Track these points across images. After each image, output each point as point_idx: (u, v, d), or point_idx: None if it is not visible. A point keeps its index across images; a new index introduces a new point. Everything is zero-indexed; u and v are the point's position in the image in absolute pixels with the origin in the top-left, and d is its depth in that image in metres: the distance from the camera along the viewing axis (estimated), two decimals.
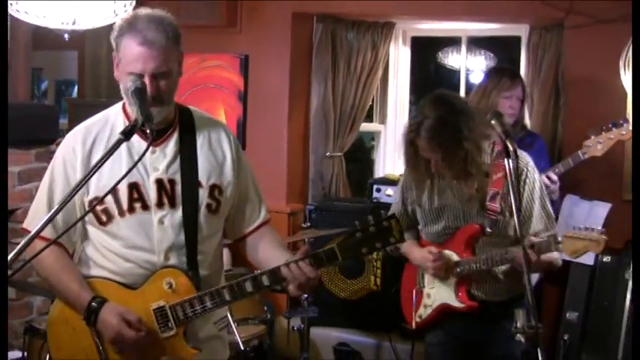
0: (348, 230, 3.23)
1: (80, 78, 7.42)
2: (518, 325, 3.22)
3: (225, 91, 7.01)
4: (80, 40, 6.61)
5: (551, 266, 4.18)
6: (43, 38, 5.87)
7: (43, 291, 5.20)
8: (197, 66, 6.97)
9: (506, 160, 3.41)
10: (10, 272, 2.61)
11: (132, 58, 3.18)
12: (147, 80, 3.18)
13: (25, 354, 4.97)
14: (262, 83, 6.93)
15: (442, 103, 4.15)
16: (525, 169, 4.11)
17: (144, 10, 3.28)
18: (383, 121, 7.45)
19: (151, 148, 3.20)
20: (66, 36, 4.88)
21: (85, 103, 6.81)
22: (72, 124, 3.50)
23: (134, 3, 4.75)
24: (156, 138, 3.20)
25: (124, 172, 3.11)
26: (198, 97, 6.88)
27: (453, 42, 7.62)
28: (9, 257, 2.56)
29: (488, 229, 4.16)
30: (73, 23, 4.72)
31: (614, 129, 5.13)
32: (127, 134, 2.95)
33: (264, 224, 3.59)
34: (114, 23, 3.54)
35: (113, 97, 3.47)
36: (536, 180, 4.14)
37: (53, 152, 3.47)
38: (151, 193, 3.29)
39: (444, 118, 4.06)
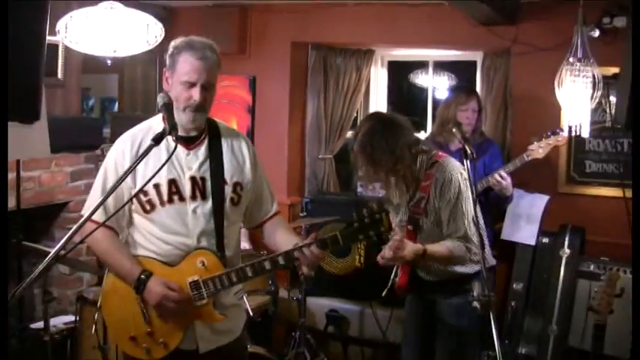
0: (348, 221, 3.28)
1: (120, 96, 7.42)
2: (475, 294, 3.25)
3: (237, 105, 7.03)
4: (120, 65, 6.63)
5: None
6: (91, 64, 5.88)
7: (91, 268, 5.24)
8: None
9: (465, 160, 3.45)
10: (64, 252, 2.62)
11: (190, 69, 3.25)
12: (197, 89, 3.26)
13: (77, 318, 4.99)
14: (267, 99, 6.96)
15: (369, 121, 4.19)
16: (451, 177, 4.00)
17: (197, 37, 3.36)
18: None
19: (186, 150, 3.33)
20: (108, 62, 4.91)
21: (124, 116, 6.80)
22: (113, 133, 3.54)
23: (163, 35, 4.76)
24: (190, 143, 3.34)
25: (163, 170, 3.21)
26: (216, 110, 6.66)
27: (421, 65, 7.60)
28: (67, 235, 2.57)
29: (410, 227, 4.16)
30: (114, 52, 4.74)
31: (552, 136, 5.18)
32: (157, 140, 2.98)
33: (276, 214, 3.65)
34: (147, 51, 3.57)
35: (146, 111, 3.50)
36: (460, 189, 3.99)
37: (99, 155, 3.50)
38: (187, 188, 3.34)
39: (366, 134, 4.08)
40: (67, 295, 6.05)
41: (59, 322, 5.34)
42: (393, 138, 4.03)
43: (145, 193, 3.29)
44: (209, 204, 3.35)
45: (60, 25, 4.56)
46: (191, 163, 3.36)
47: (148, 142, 3.33)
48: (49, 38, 3.17)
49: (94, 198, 3.42)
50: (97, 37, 4.67)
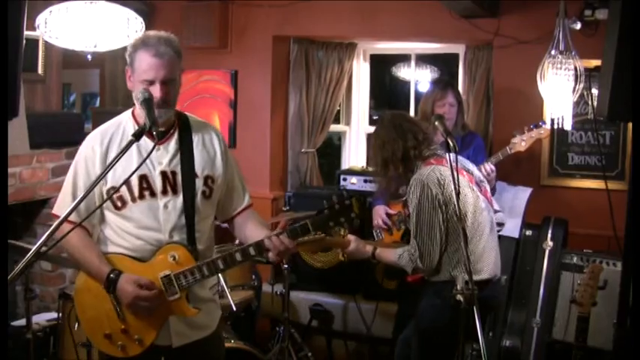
0: (318, 209, 3.28)
1: (101, 91, 7.38)
2: (458, 287, 3.24)
3: (218, 100, 7.00)
4: (101, 60, 6.59)
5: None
6: (71, 59, 5.84)
7: (73, 264, 5.19)
8: (196, 80, 6.96)
9: (447, 154, 3.44)
10: (45, 249, 2.61)
11: (146, 67, 3.23)
12: (157, 86, 3.23)
13: (60, 315, 4.96)
14: (249, 93, 6.93)
15: (381, 119, 4.45)
16: (412, 188, 4.14)
17: (153, 32, 3.35)
18: (348, 122, 7.45)
19: (156, 145, 3.24)
20: (89, 57, 4.87)
21: (105, 111, 6.76)
22: (95, 128, 3.51)
23: (144, 29, 4.73)
24: (160, 137, 3.26)
25: (134, 166, 3.16)
26: (197, 105, 6.88)
27: (404, 58, 7.60)
28: (44, 236, 2.57)
29: (402, 226, 4.36)
30: (95, 46, 4.72)
31: (534, 129, 5.17)
32: (137, 136, 3.00)
33: (248, 207, 3.64)
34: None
35: (128, 106, 3.49)
36: (417, 201, 4.09)
37: None
38: (157, 183, 3.33)
39: (374, 131, 4.42)
40: (50, 292, 6.02)
41: (42, 319, 5.32)
42: (389, 139, 4.27)
43: (116, 190, 3.27)
44: (180, 198, 3.35)
45: (39, 19, 4.53)
46: (161, 157, 3.35)
47: (118, 137, 3.37)
48: (28, 33, 3.15)
49: (64, 195, 3.42)
50: (77, 32, 4.64)
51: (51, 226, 2.68)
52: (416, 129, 4.29)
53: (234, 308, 4.96)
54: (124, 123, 3.41)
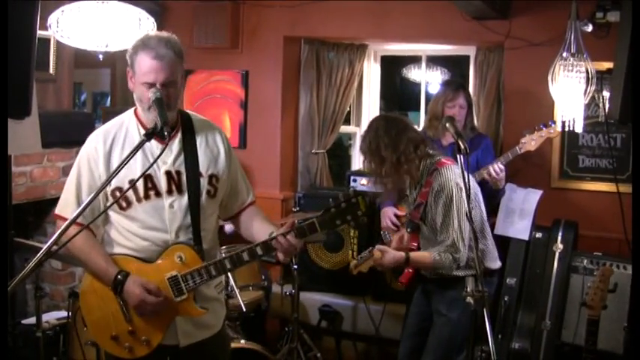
0: (325, 207, 3.26)
1: (112, 90, 7.40)
2: (468, 289, 3.23)
3: (229, 100, 7.00)
4: (112, 60, 6.57)
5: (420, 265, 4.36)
6: (83, 58, 5.86)
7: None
8: (207, 80, 6.96)
9: (458, 155, 3.43)
10: (55, 248, 2.62)
11: (146, 69, 3.21)
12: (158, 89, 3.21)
13: (70, 313, 4.97)
14: (260, 94, 6.93)
15: (374, 120, 4.43)
16: (444, 186, 4.14)
17: (154, 33, 3.34)
18: (358, 124, 7.45)
19: (159, 145, 3.25)
20: (100, 56, 4.88)
21: (116, 111, 6.68)
22: None
23: (155, 29, 4.74)
24: (163, 137, 3.23)
25: (138, 166, 3.23)
26: (208, 105, 6.89)
27: (414, 60, 7.61)
28: (53, 238, 2.57)
29: (408, 229, 4.33)
30: (106, 46, 4.73)
31: (544, 129, 5.15)
32: (149, 135, 2.99)
33: (251, 204, 3.64)
34: None
35: None
36: (452, 199, 4.12)
37: None
38: (162, 183, 3.32)
39: (370, 131, 4.33)
40: (60, 291, 6.04)
41: (51, 317, 5.33)
42: (397, 133, 4.24)
43: (121, 190, 3.26)
44: (185, 198, 3.34)
45: (51, 19, 4.54)
46: (165, 157, 3.33)
47: (121, 137, 3.36)
48: (40, 33, 3.15)
49: (67, 195, 3.40)
50: (88, 32, 4.65)
51: (61, 226, 2.68)
52: (411, 129, 4.34)
53: (244, 308, 4.96)
54: (127, 123, 3.39)
